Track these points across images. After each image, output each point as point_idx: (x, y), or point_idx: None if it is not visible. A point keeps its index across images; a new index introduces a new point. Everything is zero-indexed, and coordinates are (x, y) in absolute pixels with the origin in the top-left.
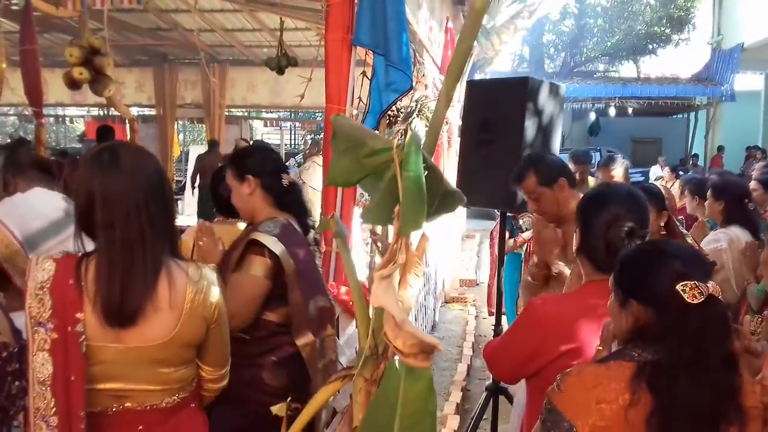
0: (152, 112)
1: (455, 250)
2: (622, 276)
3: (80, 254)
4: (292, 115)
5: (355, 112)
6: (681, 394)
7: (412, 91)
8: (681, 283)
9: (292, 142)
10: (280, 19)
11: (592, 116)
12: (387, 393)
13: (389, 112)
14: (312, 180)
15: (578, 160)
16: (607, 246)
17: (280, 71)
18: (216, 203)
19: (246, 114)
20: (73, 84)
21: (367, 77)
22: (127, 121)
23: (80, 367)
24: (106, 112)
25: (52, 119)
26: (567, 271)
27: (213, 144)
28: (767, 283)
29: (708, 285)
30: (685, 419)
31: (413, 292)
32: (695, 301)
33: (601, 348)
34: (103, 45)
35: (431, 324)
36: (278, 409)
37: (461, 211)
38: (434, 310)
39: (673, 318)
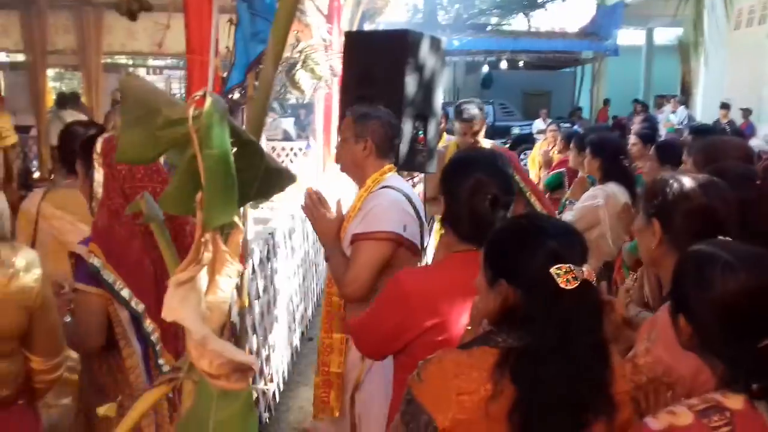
0: (21, 58)
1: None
2: (493, 253)
3: None
4: (182, 63)
5: (226, 63)
6: (544, 383)
7: (296, 44)
8: (556, 266)
9: (181, 93)
10: None
11: (485, 69)
12: (198, 413)
13: (261, 65)
14: None
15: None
16: (470, 215)
17: (132, 16)
18: (68, 163)
19: (130, 62)
20: None
21: (234, 24)
22: None
23: None
24: None
25: None
26: None
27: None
28: (639, 244)
29: (583, 269)
30: (548, 411)
31: (225, 296)
32: (569, 287)
33: (470, 327)
34: None
35: (324, 281)
36: (106, 409)
37: None
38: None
39: (543, 302)
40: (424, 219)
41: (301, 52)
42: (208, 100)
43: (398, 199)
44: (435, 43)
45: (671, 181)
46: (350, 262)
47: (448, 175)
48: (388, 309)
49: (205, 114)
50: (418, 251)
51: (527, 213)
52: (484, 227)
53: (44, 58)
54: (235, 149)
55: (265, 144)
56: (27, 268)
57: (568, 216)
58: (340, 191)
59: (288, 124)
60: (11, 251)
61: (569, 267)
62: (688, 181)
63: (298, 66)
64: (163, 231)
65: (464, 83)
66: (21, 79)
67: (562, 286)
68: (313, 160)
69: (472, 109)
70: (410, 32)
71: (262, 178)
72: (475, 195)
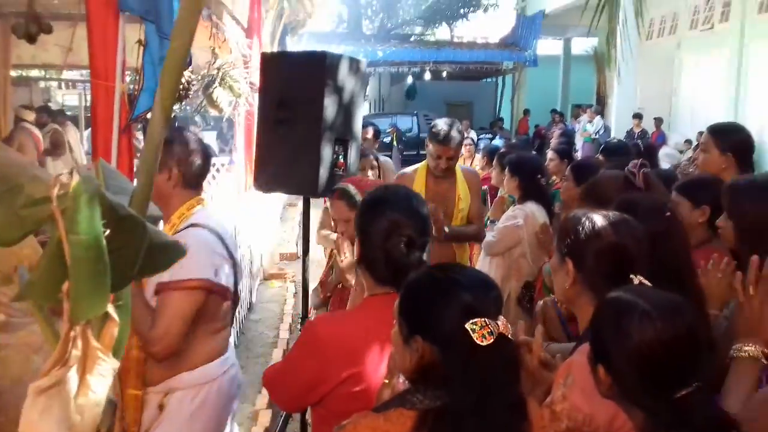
0: None
1: (274, 222)
2: (406, 307)
3: None
4: None
5: (131, 87)
6: None
7: (213, 61)
8: (471, 321)
9: None
10: None
11: (410, 80)
12: None
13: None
14: None
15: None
16: (386, 258)
17: (31, 39)
18: None
19: (43, 74)
20: None
21: (143, 46)
22: None
23: None
24: None
25: None
26: None
27: None
28: (554, 283)
29: (498, 322)
30: None
31: (98, 398)
32: (485, 342)
33: (387, 381)
34: None
35: (247, 306)
36: None
37: None
38: (251, 290)
39: (459, 360)
40: (237, 257)
41: (219, 69)
42: (75, 180)
43: (207, 240)
44: (354, 65)
45: (583, 220)
46: (157, 315)
47: (362, 215)
48: (303, 360)
49: (71, 196)
50: (229, 295)
51: (441, 264)
52: (400, 270)
53: None
54: (107, 231)
55: None
56: None
57: (489, 236)
58: (264, 213)
59: (210, 138)
60: None
61: (484, 321)
62: (599, 220)
63: (216, 83)
64: (41, 308)
65: (389, 94)
66: None
67: (478, 342)
68: (234, 179)
69: (450, 129)
70: (329, 54)
71: (147, 254)
72: (390, 237)
